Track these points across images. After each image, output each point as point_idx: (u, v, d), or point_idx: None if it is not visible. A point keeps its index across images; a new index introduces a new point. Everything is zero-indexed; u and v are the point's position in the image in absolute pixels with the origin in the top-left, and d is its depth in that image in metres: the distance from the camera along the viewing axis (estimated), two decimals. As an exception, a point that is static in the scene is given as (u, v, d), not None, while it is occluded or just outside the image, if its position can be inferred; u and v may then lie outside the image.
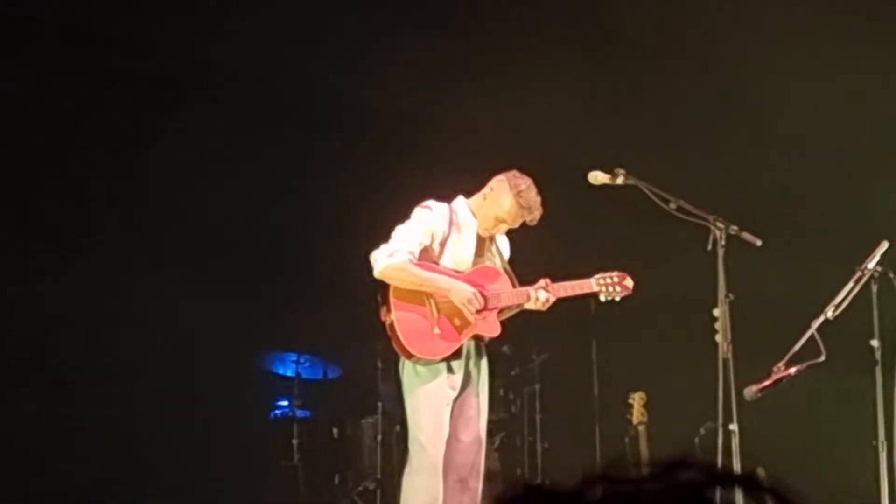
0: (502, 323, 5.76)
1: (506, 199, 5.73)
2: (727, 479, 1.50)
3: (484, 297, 5.62)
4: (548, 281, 5.70)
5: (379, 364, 9.00)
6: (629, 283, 5.78)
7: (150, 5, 8.91)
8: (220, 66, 8.97)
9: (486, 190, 5.82)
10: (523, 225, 5.87)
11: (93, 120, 8.80)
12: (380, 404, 9.03)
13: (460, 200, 5.85)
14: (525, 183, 5.72)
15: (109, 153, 8.96)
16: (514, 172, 5.76)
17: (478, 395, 5.74)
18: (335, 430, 9.36)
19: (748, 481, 1.50)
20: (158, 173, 9.01)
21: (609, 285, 5.75)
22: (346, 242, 7.66)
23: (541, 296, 5.66)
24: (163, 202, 9.19)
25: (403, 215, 5.74)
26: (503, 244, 5.97)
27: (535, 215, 5.74)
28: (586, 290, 5.78)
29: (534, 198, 5.72)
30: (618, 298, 5.80)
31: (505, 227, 5.80)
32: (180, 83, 9.02)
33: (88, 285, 8.66)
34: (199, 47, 8.81)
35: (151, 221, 9.19)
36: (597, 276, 5.76)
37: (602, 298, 5.80)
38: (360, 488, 8.93)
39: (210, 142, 8.98)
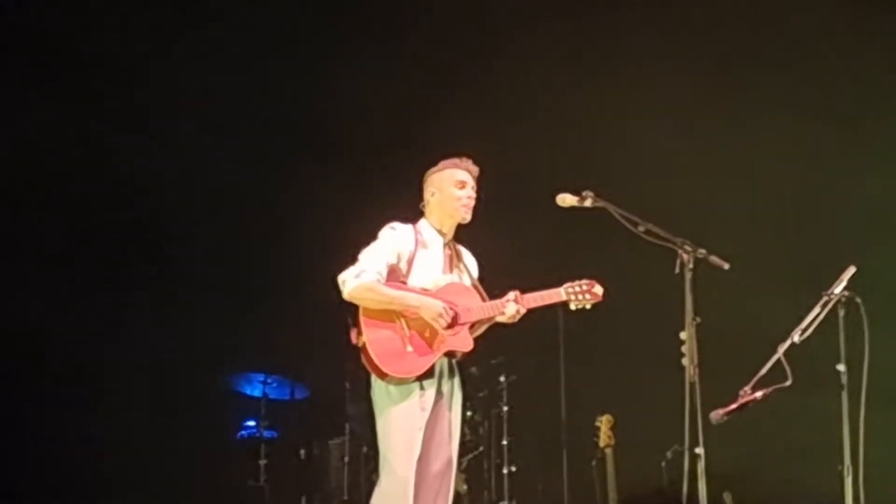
0: (474, 341, 5.75)
1: (444, 179, 5.83)
2: None
3: (454, 312, 5.61)
4: (517, 293, 5.69)
5: (347, 385, 8.99)
6: (598, 290, 5.77)
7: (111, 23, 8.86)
8: (187, 82, 8.95)
9: (427, 194, 5.87)
10: (489, 244, 5.92)
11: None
12: (347, 425, 9.01)
13: (423, 221, 5.86)
14: (443, 163, 5.87)
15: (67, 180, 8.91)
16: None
17: (450, 417, 5.71)
18: (302, 451, 9.32)
19: None
20: (127, 188, 8.97)
21: (578, 293, 5.74)
22: (313, 263, 7.65)
23: (511, 308, 5.65)
24: (131, 219, 9.14)
25: (369, 237, 5.73)
26: (471, 262, 5.97)
27: (466, 165, 5.84)
28: (556, 300, 5.76)
29: (454, 159, 5.86)
30: (588, 306, 5.78)
31: (465, 209, 5.80)
32: (148, 95, 8.99)
33: (52, 301, 8.61)
34: (162, 67, 8.79)
35: (117, 241, 9.13)
36: (566, 285, 5.75)
37: (572, 307, 5.78)
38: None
39: (175, 163, 8.94)
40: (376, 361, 5.49)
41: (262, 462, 9.14)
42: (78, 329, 8.77)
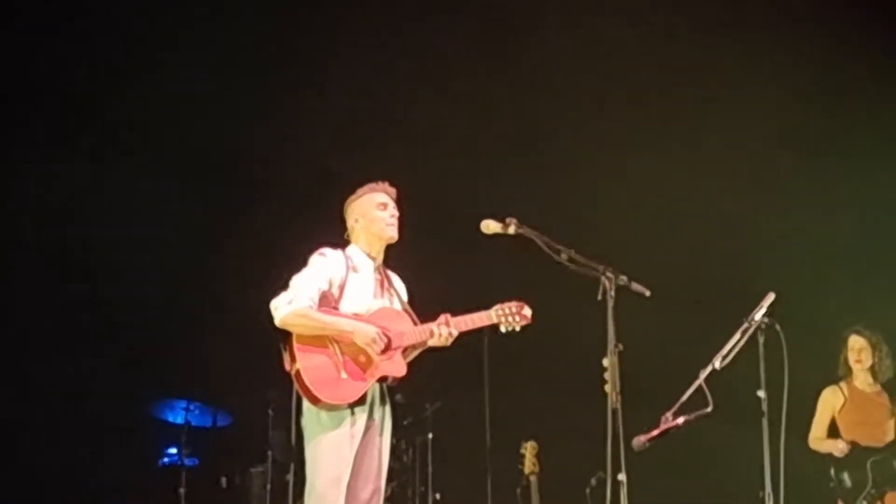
0: (407, 365, 5.73)
1: (364, 204, 5.86)
2: None
3: (387, 336, 5.59)
4: (447, 316, 5.70)
5: (270, 412, 8.91)
6: (527, 311, 5.80)
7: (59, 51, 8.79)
8: (117, 115, 8.89)
9: (350, 221, 5.88)
10: (415, 270, 5.93)
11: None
12: (269, 453, 8.93)
13: (353, 247, 5.85)
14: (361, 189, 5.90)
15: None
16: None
17: (380, 444, 5.68)
18: (223, 479, 9.23)
19: None
20: (52, 215, 8.88)
21: (508, 315, 5.77)
22: (238, 290, 7.61)
23: (443, 331, 5.65)
24: (56, 245, 9.04)
25: (299, 264, 5.71)
26: (400, 286, 5.97)
27: (384, 188, 5.89)
28: (486, 322, 5.78)
29: (370, 184, 5.90)
30: (518, 328, 5.80)
31: (391, 228, 5.81)
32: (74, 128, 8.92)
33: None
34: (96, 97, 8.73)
35: (42, 262, 9.02)
36: (495, 308, 5.78)
37: (502, 329, 5.80)
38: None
39: (103, 186, 8.86)
40: (310, 388, 5.45)
41: (183, 490, 9.02)
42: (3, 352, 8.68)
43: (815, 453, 7.81)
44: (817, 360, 8.25)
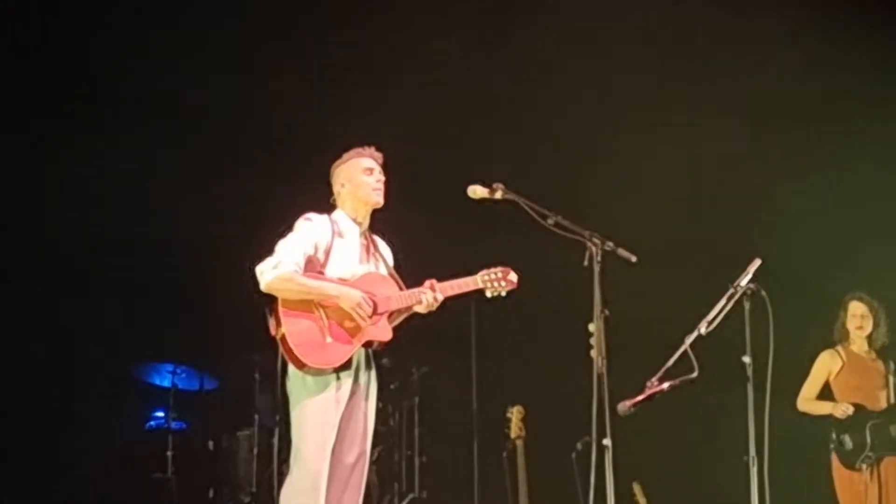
0: (393, 330, 5.74)
1: (351, 168, 5.84)
2: None
3: (373, 301, 5.60)
4: (433, 282, 5.70)
5: (256, 376, 8.93)
6: (513, 277, 5.81)
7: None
8: (105, 80, 8.84)
9: (336, 186, 5.87)
10: (401, 235, 5.94)
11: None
12: (256, 417, 8.95)
13: (339, 212, 5.84)
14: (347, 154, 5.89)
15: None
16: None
17: (366, 409, 5.69)
18: (210, 443, 9.25)
19: None
20: (39, 181, 8.85)
21: (494, 280, 5.78)
22: (224, 254, 7.60)
23: (428, 296, 5.66)
24: (40, 213, 9.01)
25: (285, 229, 5.70)
26: (386, 251, 5.97)
27: (370, 153, 5.87)
28: (472, 287, 5.79)
29: (357, 149, 5.89)
30: (503, 294, 5.81)
31: (377, 193, 5.81)
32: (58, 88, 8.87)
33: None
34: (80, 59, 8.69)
35: (23, 229, 8.99)
36: (481, 273, 5.79)
37: (488, 294, 5.81)
38: (235, 502, 8.84)
39: (91, 152, 8.82)
40: (296, 352, 5.45)
41: (170, 453, 9.04)
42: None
43: (803, 417, 7.86)
44: (804, 325, 8.31)
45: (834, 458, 7.64)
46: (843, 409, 7.58)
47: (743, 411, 5.46)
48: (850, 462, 7.55)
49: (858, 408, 7.61)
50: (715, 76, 9.10)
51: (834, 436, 7.63)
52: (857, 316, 7.80)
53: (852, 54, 8.92)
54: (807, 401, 7.83)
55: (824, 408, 7.71)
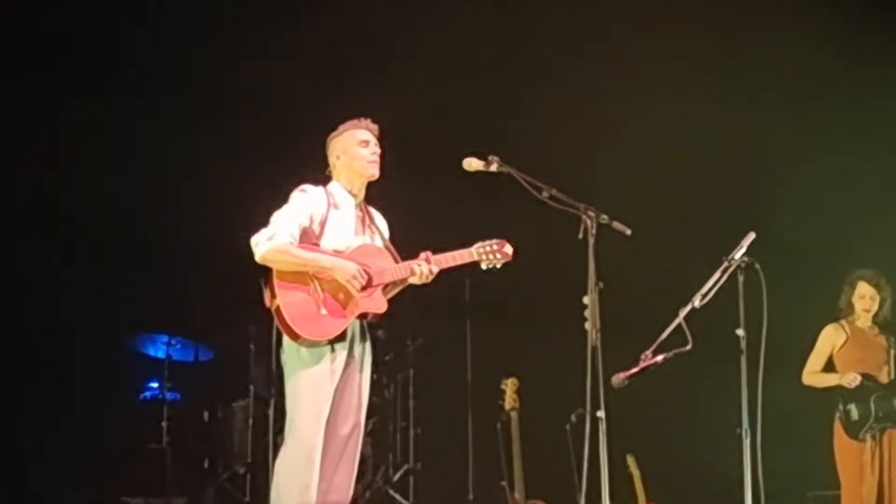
0: (388, 302, 5.75)
1: (346, 140, 5.83)
2: None
3: (368, 273, 5.60)
4: (428, 254, 5.71)
5: (252, 347, 8.94)
6: (509, 249, 5.81)
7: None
8: (98, 47, 8.80)
9: (332, 158, 5.87)
10: (397, 207, 5.94)
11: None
12: (251, 388, 8.97)
13: (334, 183, 5.84)
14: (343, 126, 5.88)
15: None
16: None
17: (360, 380, 5.70)
18: (205, 414, 9.26)
19: None
20: (30, 148, 8.82)
21: (489, 253, 5.78)
22: (220, 225, 7.58)
23: (423, 268, 5.66)
24: (34, 176, 8.99)
25: (280, 201, 5.69)
26: (382, 223, 5.97)
27: (366, 124, 5.85)
28: (467, 260, 5.79)
29: (353, 121, 5.87)
30: (499, 266, 5.81)
31: (372, 165, 5.80)
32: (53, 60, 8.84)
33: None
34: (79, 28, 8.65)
35: (17, 199, 8.97)
36: (476, 245, 5.79)
37: (483, 267, 5.81)
38: (230, 472, 8.86)
39: (86, 122, 8.79)
40: (290, 324, 5.46)
41: (165, 424, 9.05)
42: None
43: (798, 390, 7.89)
44: (805, 298, 8.34)
45: (838, 429, 7.68)
46: (850, 379, 7.62)
47: (736, 384, 5.48)
48: (854, 433, 7.59)
49: (864, 378, 7.65)
50: (716, 46, 9.07)
51: (840, 406, 7.66)
52: (867, 298, 7.85)
53: (860, 25, 8.90)
54: (812, 374, 7.88)
55: (830, 380, 7.76)
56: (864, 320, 7.87)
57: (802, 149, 9.11)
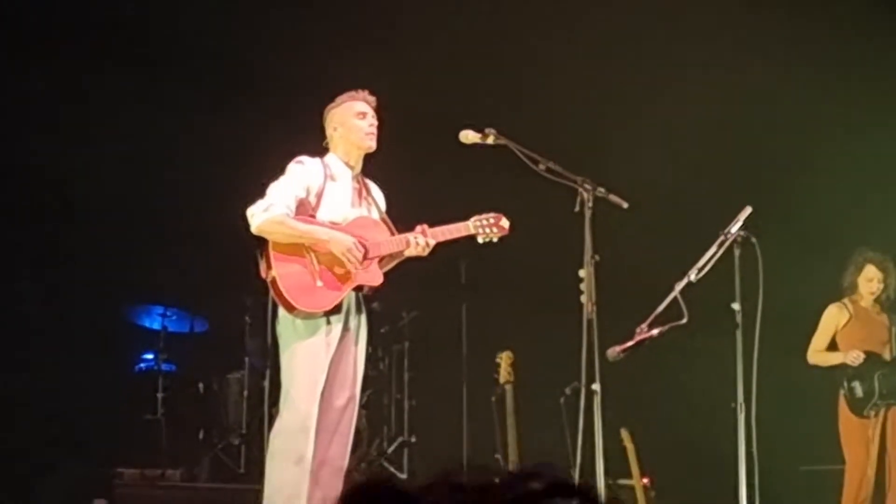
0: (384, 275, 5.74)
1: (344, 112, 5.82)
2: (566, 490, 1.54)
3: (364, 246, 5.60)
4: (425, 226, 5.71)
5: (247, 319, 8.94)
6: (505, 223, 5.82)
7: None
8: (95, 19, 8.76)
9: (329, 130, 5.85)
10: (394, 180, 5.93)
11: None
12: (247, 360, 8.98)
13: (331, 155, 5.82)
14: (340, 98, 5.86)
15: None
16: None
17: (355, 353, 5.71)
18: (201, 385, 9.27)
19: (585, 494, 1.54)
20: (22, 122, 8.79)
21: (486, 226, 5.79)
22: (217, 196, 7.57)
23: (420, 241, 5.66)
24: (29, 150, 8.96)
25: (276, 173, 5.68)
26: (379, 196, 5.96)
27: (363, 96, 5.84)
28: (464, 233, 5.80)
29: (350, 93, 5.85)
30: (495, 239, 5.83)
31: (369, 137, 5.79)
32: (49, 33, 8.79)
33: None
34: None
35: (11, 170, 8.94)
36: (473, 219, 5.80)
37: (480, 240, 5.82)
38: (225, 444, 8.88)
39: (80, 91, 8.76)
40: (286, 295, 5.46)
41: (160, 395, 9.06)
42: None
43: (791, 365, 7.91)
44: (805, 274, 8.33)
45: (843, 405, 7.69)
46: (854, 356, 7.63)
47: (731, 358, 5.49)
48: (858, 410, 7.61)
49: (867, 355, 7.67)
50: (716, 19, 9.02)
51: (845, 383, 7.67)
52: (874, 281, 7.84)
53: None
54: (817, 353, 7.89)
55: (835, 358, 7.77)
56: (867, 299, 7.87)
57: (801, 123, 9.09)
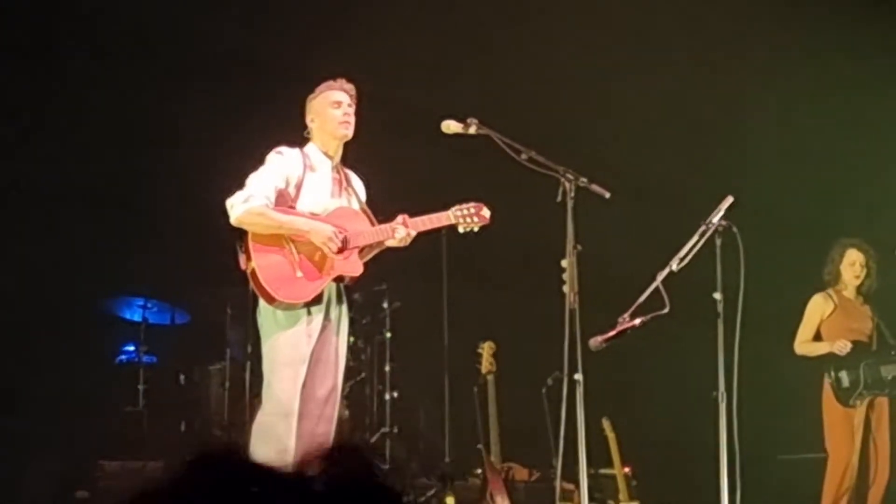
0: (364, 266, 5.73)
1: (321, 102, 5.80)
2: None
3: (344, 236, 5.59)
4: (405, 217, 5.70)
5: (228, 310, 8.92)
6: (486, 213, 5.81)
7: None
8: (74, 5, 8.71)
9: (308, 122, 5.84)
10: (375, 170, 5.92)
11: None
12: (228, 351, 8.96)
13: (311, 145, 5.81)
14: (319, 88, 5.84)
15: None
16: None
17: (337, 343, 5.70)
18: (182, 376, 9.25)
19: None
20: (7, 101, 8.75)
21: (466, 216, 5.78)
22: (195, 188, 7.55)
23: (400, 231, 5.66)
24: (11, 136, 8.90)
25: (256, 163, 5.66)
26: (359, 186, 5.95)
27: (340, 85, 5.82)
28: (444, 223, 5.80)
29: (328, 82, 5.84)
30: (476, 229, 5.82)
31: (344, 126, 5.77)
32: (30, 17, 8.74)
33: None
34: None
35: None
36: (454, 209, 5.79)
37: (460, 230, 5.82)
38: (207, 435, 8.85)
39: (61, 82, 8.71)
40: (265, 286, 5.45)
41: (141, 387, 9.03)
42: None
43: (773, 354, 7.93)
44: (787, 264, 8.36)
45: (828, 395, 7.70)
46: (841, 346, 7.64)
47: (712, 347, 5.50)
48: (844, 399, 7.62)
49: (853, 345, 7.69)
50: (698, 9, 9.02)
51: (832, 373, 7.69)
52: (857, 265, 7.84)
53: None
54: (804, 343, 7.89)
55: (822, 348, 7.78)
56: (851, 289, 7.88)
57: (784, 113, 9.11)
